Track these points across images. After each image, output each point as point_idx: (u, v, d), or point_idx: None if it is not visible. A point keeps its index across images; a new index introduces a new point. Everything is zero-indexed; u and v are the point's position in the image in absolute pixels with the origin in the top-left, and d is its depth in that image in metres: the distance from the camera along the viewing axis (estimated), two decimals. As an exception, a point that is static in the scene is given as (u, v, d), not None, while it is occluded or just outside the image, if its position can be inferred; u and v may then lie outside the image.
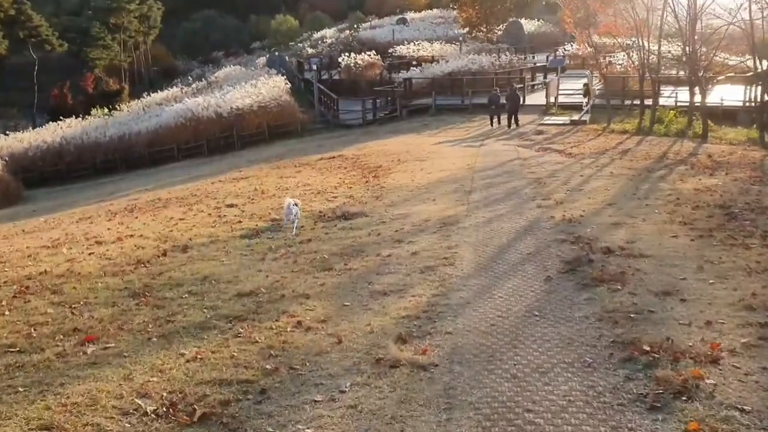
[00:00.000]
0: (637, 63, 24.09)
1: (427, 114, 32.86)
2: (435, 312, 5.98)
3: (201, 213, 12.32)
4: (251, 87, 37.70)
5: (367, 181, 15.47)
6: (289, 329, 5.62)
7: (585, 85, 29.64)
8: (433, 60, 43.45)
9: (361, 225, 10.27)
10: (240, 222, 10.97)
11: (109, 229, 11.55)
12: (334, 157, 21.95)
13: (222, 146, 35.70)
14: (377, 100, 36.48)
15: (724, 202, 10.32)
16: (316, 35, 71.23)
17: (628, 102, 29.45)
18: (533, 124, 26.90)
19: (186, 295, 6.64)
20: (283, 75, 41.87)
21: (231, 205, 12.92)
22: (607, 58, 35.72)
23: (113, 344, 5.41)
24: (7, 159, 35.96)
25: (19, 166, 36.29)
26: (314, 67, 40.19)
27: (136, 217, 12.86)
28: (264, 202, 13.12)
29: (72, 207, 21.41)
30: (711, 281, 6.44)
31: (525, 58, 44.65)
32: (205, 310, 6.17)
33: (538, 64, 41.04)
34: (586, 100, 29.43)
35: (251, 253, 8.62)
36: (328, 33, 70.11)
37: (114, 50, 61.69)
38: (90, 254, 9.16)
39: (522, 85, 32.53)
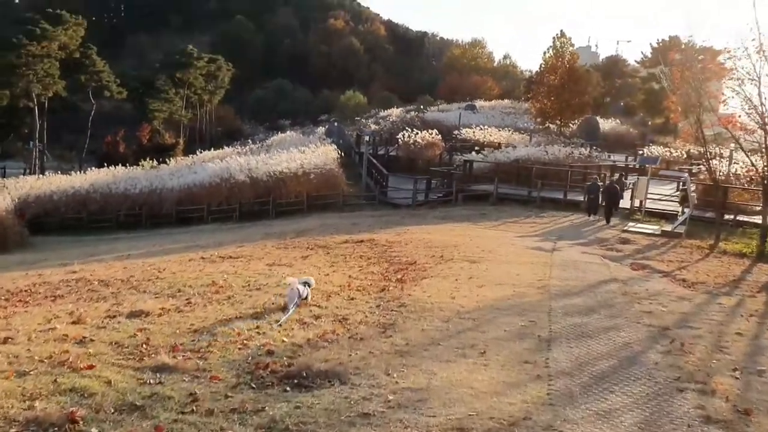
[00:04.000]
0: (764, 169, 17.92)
1: (487, 202, 27.10)
2: None
3: (65, 326, 6.75)
4: (298, 152, 33.02)
5: (384, 288, 9.73)
6: None
7: (683, 190, 23.42)
8: (499, 146, 38.09)
9: (312, 418, 4.48)
10: (78, 371, 5.28)
11: None
12: (362, 241, 16.40)
13: (256, 212, 30.81)
14: (432, 181, 31.09)
15: None
16: (383, 113, 67.51)
17: (729, 216, 23.16)
18: (615, 230, 20.82)
19: None
20: (339, 145, 37.29)
21: (138, 314, 7.33)
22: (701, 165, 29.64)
23: None
24: (30, 200, 32.33)
25: (42, 210, 32.54)
26: (366, 138, 35.28)
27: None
28: (196, 314, 7.50)
29: (29, 267, 16.52)
30: None
31: (600, 155, 38.70)
32: None
33: (617, 163, 35.10)
34: (682, 208, 23.21)
35: None
36: (395, 112, 66.25)
37: (176, 104, 58.92)
38: None
39: (607, 182, 26.47)
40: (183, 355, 5.77)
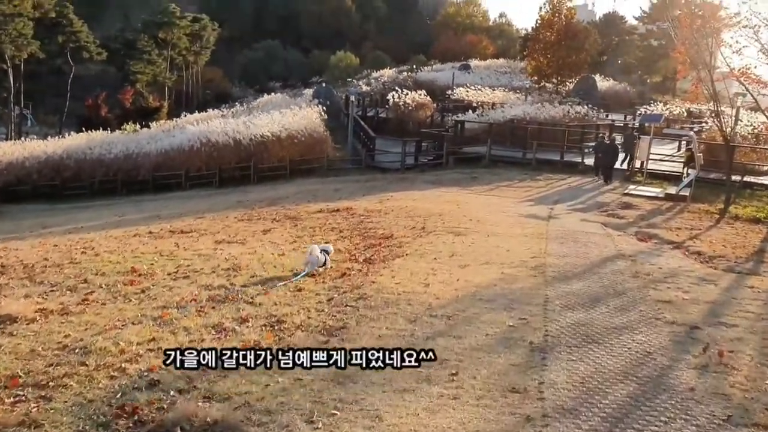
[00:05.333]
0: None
1: (479, 165, 25.15)
2: None
3: None
4: (280, 115, 30.81)
5: (345, 273, 7.90)
6: None
7: (689, 149, 21.47)
8: (493, 106, 35.88)
9: None
10: None
11: None
12: (338, 210, 14.53)
13: (237, 178, 28.70)
14: (422, 144, 29.01)
15: None
16: (375, 74, 64.81)
17: (735, 177, 21.28)
18: (615, 193, 19.01)
19: None
20: (327, 107, 35.01)
21: (3, 321, 5.50)
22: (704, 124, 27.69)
23: None
24: (1, 167, 30.36)
25: (15, 177, 30.51)
26: (352, 98, 32.95)
27: None
28: (84, 318, 5.67)
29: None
30: None
31: (599, 114, 36.48)
32: None
33: (615, 123, 32.95)
34: (686, 169, 21.31)
35: None
36: (387, 73, 63.54)
37: (160, 66, 55.99)
38: None
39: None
40: (15, 396, 3.94)
